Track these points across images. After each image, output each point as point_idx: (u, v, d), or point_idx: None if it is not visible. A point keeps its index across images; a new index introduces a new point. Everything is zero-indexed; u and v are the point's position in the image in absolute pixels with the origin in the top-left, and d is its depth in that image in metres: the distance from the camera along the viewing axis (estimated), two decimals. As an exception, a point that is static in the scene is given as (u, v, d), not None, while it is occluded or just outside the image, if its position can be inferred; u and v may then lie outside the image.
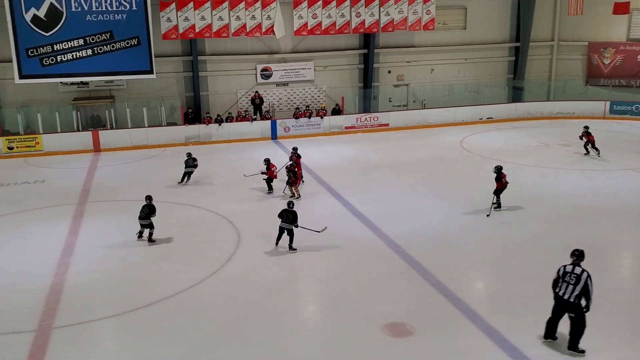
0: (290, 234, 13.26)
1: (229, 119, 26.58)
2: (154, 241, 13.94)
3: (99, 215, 16.18)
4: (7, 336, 9.87)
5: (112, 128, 25.33)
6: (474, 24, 30.51)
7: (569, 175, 19.19)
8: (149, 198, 14.24)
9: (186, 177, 19.16)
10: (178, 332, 9.92)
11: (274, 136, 26.41)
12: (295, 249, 13.22)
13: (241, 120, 26.59)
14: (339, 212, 16.02)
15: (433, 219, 15.29)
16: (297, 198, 16.90)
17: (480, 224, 14.89)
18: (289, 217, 13.19)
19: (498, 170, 15.80)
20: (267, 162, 18.04)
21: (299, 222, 13.26)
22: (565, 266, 9.03)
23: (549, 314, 9.32)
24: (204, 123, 25.86)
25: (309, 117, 27.00)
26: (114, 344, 9.99)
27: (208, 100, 27.48)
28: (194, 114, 26.43)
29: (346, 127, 27.47)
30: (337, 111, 27.96)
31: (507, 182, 15.79)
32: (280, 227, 13.26)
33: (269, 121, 26.62)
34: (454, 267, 12.23)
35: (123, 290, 11.51)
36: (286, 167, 17.84)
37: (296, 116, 27.00)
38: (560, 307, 8.94)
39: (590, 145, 21.36)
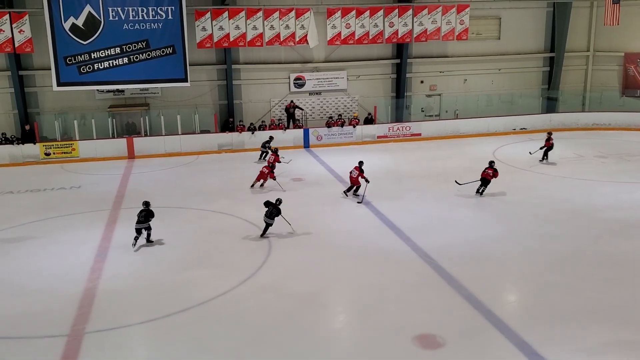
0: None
1: (262, 127, 26.80)
2: (152, 241, 14.42)
3: (132, 221, 16.40)
4: (41, 340, 10.08)
5: (146, 135, 25.79)
6: (508, 34, 30.19)
7: (605, 187, 18.78)
8: (146, 204, 14.53)
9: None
10: (209, 339, 10.00)
11: (306, 145, 26.52)
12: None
13: (274, 129, 26.78)
14: (372, 222, 15.97)
15: (465, 230, 15.13)
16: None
17: (513, 236, 14.68)
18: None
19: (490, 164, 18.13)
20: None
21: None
22: None
23: (584, 329, 9.12)
24: (237, 131, 26.13)
25: (342, 126, 27.04)
26: (145, 349, 10.12)
27: (242, 108, 27.77)
28: (233, 122, 26.70)
29: (378, 137, 27.42)
30: (369, 120, 27.95)
31: (493, 176, 17.83)
32: None
33: (302, 130, 26.75)
34: (487, 280, 12.07)
35: (155, 297, 11.67)
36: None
37: (329, 125, 27.08)
38: None
39: (545, 150, 22.23)
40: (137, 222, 14.24)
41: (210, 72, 27.23)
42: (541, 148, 22.38)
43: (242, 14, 25.30)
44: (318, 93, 28.56)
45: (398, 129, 27.65)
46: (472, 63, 30.07)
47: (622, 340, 9.59)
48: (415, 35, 27.28)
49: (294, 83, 28.13)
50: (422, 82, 29.83)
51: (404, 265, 12.99)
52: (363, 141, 27.10)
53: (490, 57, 30.23)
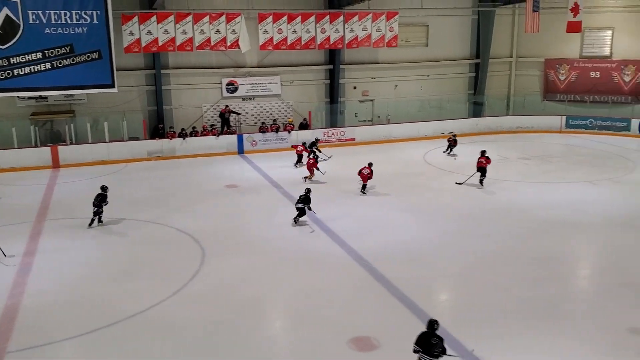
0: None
1: (194, 133, 26.34)
2: (102, 222, 16.04)
3: (58, 233, 15.74)
4: (-40, 360, 9.47)
5: (72, 143, 24.78)
6: (435, 41, 31.09)
7: (529, 187, 19.63)
8: (102, 188, 16.11)
9: None
10: (142, 353, 9.70)
11: (240, 150, 26.27)
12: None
13: (206, 135, 26.37)
14: (308, 227, 15.97)
15: (399, 232, 15.42)
16: None
17: (445, 237, 15.08)
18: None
19: (482, 153, 19.77)
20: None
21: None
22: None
23: (513, 327, 9.47)
24: (168, 137, 25.55)
25: (276, 132, 26.98)
26: (74, 366, 9.69)
27: (172, 114, 27.19)
28: (163, 128, 26.06)
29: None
30: (304, 126, 28.03)
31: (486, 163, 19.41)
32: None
33: (235, 135, 26.48)
34: (419, 281, 12.34)
35: (84, 311, 11.20)
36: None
37: (262, 130, 26.95)
38: None
39: (450, 148, 25.06)
40: (93, 204, 15.81)
41: (139, 78, 26.52)
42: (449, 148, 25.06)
43: (171, 18, 24.80)
44: (251, 98, 28.39)
45: (332, 134, 27.88)
46: (402, 69, 30.76)
47: (551, 336, 10.01)
48: (346, 42, 27.60)
49: (227, 88, 27.83)
50: (354, 87, 30.23)
51: (340, 269, 13.07)
52: (297, 146, 27.16)
53: (419, 64, 31.02)
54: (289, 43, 26.66)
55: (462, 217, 16.73)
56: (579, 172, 21.63)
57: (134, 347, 9.85)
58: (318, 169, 21.09)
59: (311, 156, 21.55)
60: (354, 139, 28.11)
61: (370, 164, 19.54)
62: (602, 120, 29.62)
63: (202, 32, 25.30)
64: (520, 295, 11.58)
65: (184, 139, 25.62)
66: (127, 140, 25.42)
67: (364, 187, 19.30)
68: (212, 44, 25.56)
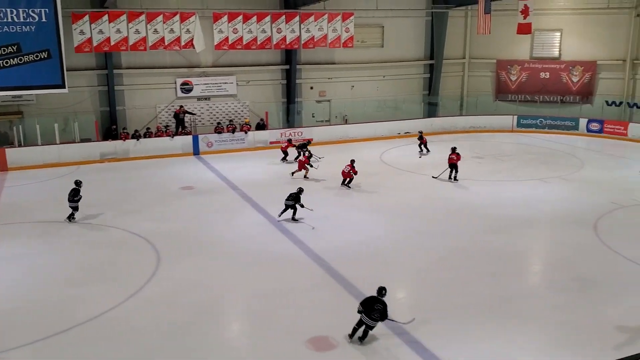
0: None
1: (148, 135, 25.87)
2: (75, 219, 16.39)
3: (7, 238, 15.19)
4: None
5: (20, 145, 23.94)
6: (390, 42, 31.46)
7: (483, 186, 20.07)
8: (77, 183, 16.54)
9: None
10: (99, 358, 9.45)
11: (196, 152, 25.93)
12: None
13: (160, 135, 25.94)
14: (265, 228, 15.92)
15: (357, 231, 15.52)
16: None
17: (401, 235, 15.27)
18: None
19: (453, 149, 20.71)
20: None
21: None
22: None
23: (470, 323, 9.64)
24: (121, 139, 25.00)
25: (233, 132, 26.77)
26: (25, 375, 9.38)
27: (125, 115, 26.61)
28: (116, 130, 25.46)
29: (271, 142, 27.44)
30: (261, 126, 27.89)
31: (457, 159, 20.35)
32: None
33: (191, 136, 26.13)
34: (377, 279, 12.33)
35: (36, 317, 10.85)
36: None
37: (218, 131, 26.70)
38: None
39: (423, 145, 25.39)
40: (68, 200, 16.30)
41: (90, 78, 25.85)
42: (420, 146, 25.39)
43: (123, 17, 24.26)
44: (207, 98, 28.07)
45: (290, 134, 27.86)
46: (359, 70, 30.99)
47: (507, 332, 10.25)
48: (303, 42, 27.63)
49: (181, 88, 27.43)
50: (311, 88, 30.28)
51: (298, 269, 13.07)
52: (256, 147, 27.00)
53: (375, 64, 31.33)
54: (244, 43, 26.49)
55: (418, 215, 16.98)
56: (530, 170, 22.21)
57: (90, 352, 9.60)
58: (311, 165, 21.75)
59: (305, 154, 22.42)
60: (311, 139, 28.08)
61: (352, 161, 20.14)
62: (552, 120, 30.56)
63: (155, 31, 24.85)
64: (476, 292, 11.82)
65: (138, 140, 25.12)
66: (78, 142, 24.74)
67: (345, 181, 20.11)
68: (166, 44, 25.15)
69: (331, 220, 16.41)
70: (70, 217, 16.37)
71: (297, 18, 27.18)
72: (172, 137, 25.79)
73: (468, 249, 14.25)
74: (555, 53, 31.69)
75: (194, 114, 27.23)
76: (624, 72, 30.23)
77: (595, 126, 29.38)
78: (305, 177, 21.34)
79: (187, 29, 25.20)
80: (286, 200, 16.37)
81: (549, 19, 30.87)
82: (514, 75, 32.39)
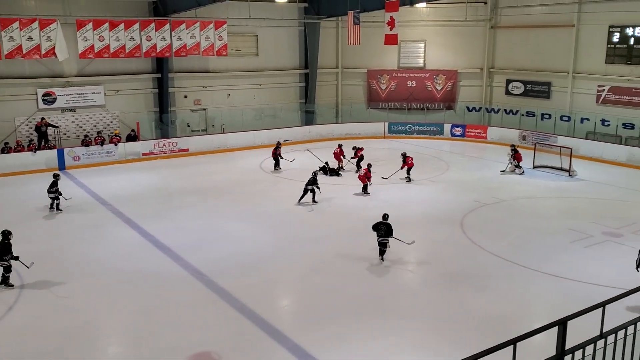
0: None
1: (6, 150, 23.81)
2: (61, 210, 17.97)
3: None
4: None
5: None
6: (265, 51, 31.63)
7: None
8: (55, 176, 18.13)
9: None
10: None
11: (61, 166, 24.23)
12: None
13: (21, 150, 23.97)
14: (140, 244, 15.23)
15: (237, 242, 15.34)
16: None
17: (282, 243, 15.32)
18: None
19: (403, 155, 22.25)
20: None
21: None
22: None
23: (350, 325, 9.85)
24: (-25, 155, 22.82)
25: (102, 145, 25.39)
26: None
27: (-22, 129, 24.32)
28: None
29: (144, 154, 26.38)
30: (132, 137, 26.73)
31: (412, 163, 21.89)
32: None
33: (55, 150, 24.40)
34: (259, 289, 12.37)
35: None
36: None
37: (86, 144, 25.21)
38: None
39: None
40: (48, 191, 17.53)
41: (-64, 89, 23.37)
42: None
43: (-27, 22, 22.22)
44: (72, 110, 26.39)
45: (164, 145, 26.99)
46: (234, 78, 30.79)
47: (384, 331, 10.60)
48: (174, 50, 26.92)
49: (43, 99, 25.57)
50: (185, 96, 29.59)
51: (177, 285, 12.65)
52: (127, 159, 25.80)
53: (251, 73, 31.32)
54: (111, 51, 25.31)
55: (298, 221, 17.17)
56: (402, 173, 23.27)
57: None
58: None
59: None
60: (187, 150, 27.49)
61: (369, 165, 21.00)
62: (419, 126, 32.33)
63: (11, 39, 22.99)
64: (353, 294, 12.14)
65: (-5, 155, 23.09)
66: None
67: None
68: (24, 52, 23.36)
69: (210, 233, 16.10)
70: (51, 206, 18.05)
71: (167, 26, 26.45)
72: (35, 152, 23.94)
73: (345, 252, 14.61)
74: (420, 63, 33.62)
75: (57, 127, 25.44)
76: (482, 80, 32.78)
77: (458, 131, 31.50)
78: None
79: (48, 37, 23.60)
80: (306, 185, 18.77)
81: (413, 31, 32.69)
82: (383, 84, 33.89)
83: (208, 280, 12.74)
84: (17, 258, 12.46)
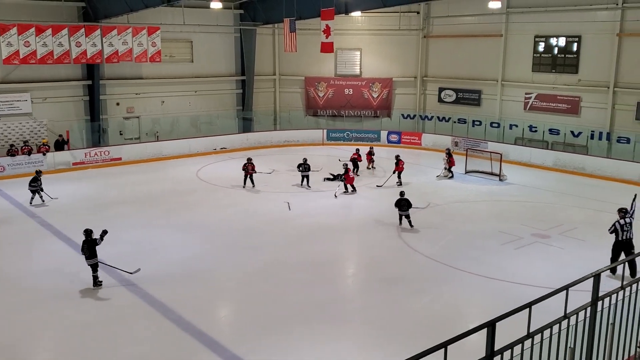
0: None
1: None
2: (44, 200, 19.72)
3: None
4: None
5: None
6: (200, 58, 31.20)
7: (297, 197, 20.71)
8: (37, 172, 19.57)
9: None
10: None
11: (-16, 178, 23.02)
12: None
13: (-61, 162, 22.65)
14: (69, 258, 14.61)
15: (173, 252, 15.00)
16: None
17: (219, 252, 15.10)
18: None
19: (397, 157, 22.80)
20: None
21: None
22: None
23: (289, 332, 9.78)
24: None
25: (29, 154, 24.27)
26: None
27: None
28: None
29: (74, 163, 25.43)
30: (61, 145, 25.69)
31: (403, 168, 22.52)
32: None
33: (-24, 161, 23.17)
34: (196, 300, 12.13)
35: None
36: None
37: (12, 154, 24.03)
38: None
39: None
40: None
41: None
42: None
43: None
44: (-4, 118, 25.15)
45: (96, 154, 26.12)
46: (169, 85, 30.21)
47: (328, 336, 10.60)
48: (106, 56, 26.13)
49: (-36, 107, 24.25)
50: (117, 104, 28.76)
51: (109, 298, 12.24)
52: (57, 169, 24.76)
53: (186, 80, 30.81)
54: (38, 57, 24.30)
55: (236, 230, 16.97)
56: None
57: None
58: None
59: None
60: (120, 158, 26.69)
61: (357, 150, 23.82)
62: (357, 133, 32.73)
63: None
64: (293, 302, 12.08)
65: None
66: None
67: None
68: (-58, 57, 22.09)
69: (144, 244, 15.66)
70: (32, 200, 19.39)
71: (98, 31, 25.65)
72: (-46, 163, 22.69)
73: (284, 259, 14.56)
74: (357, 71, 34.08)
75: None
76: (416, 88, 33.58)
77: (394, 137, 32.09)
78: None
79: (-32, 41, 22.40)
80: (302, 172, 22.13)
81: (349, 39, 33.12)
82: (321, 92, 34.12)
83: (143, 292, 12.37)
84: (104, 234, 12.75)
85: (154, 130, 29.61)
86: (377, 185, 22.14)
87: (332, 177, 23.34)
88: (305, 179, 22.27)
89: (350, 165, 23.58)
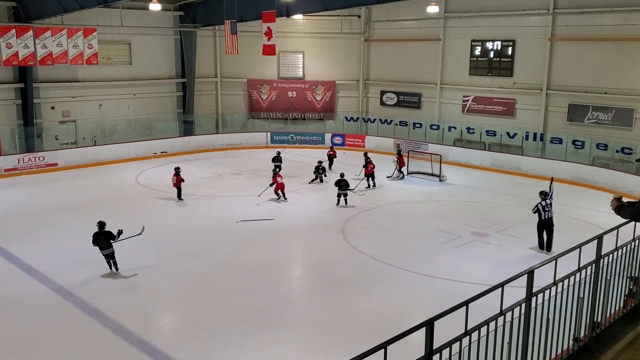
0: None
1: None
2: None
3: None
4: None
5: None
6: (139, 60, 30.45)
7: (240, 201, 20.52)
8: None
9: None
10: None
11: None
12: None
13: None
14: (3, 268, 13.95)
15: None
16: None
17: (161, 259, 14.77)
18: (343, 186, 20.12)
19: (365, 155, 23.38)
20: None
21: None
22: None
23: (233, 338, 9.65)
24: None
25: (-46, 161, 23.08)
26: None
27: None
28: None
29: (6, 170, 24.32)
30: (-9, 152, 24.57)
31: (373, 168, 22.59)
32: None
33: None
34: (137, 308, 11.83)
35: None
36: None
37: (-64, 161, 22.80)
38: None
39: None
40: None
41: None
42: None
43: None
44: None
45: (30, 159, 25.07)
46: (106, 88, 29.34)
47: (274, 340, 10.53)
48: (39, 58, 25.14)
49: None
50: (53, 108, 27.70)
51: (45, 309, 11.75)
52: (-14, 176, 23.69)
53: (124, 82, 30.01)
54: (-35, 58, 23.13)
55: (178, 236, 16.65)
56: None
57: None
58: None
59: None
60: (56, 164, 25.72)
61: (365, 153, 23.58)
62: (301, 135, 32.79)
63: None
64: (238, 307, 11.95)
65: None
66: None
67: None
68: None
69: (82, 252, 15.08)
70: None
71: (30, 32, 24.64)
72: None
73: (227, 264, 14.41)
74: (300, 73, 34.14)
75: None
76: (359, 91, 33.95)
77: (338, 140, 32.31)
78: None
79: None
80: (275, 163, 23.48)
81: (292, 42, 33.14)
82: (264, 94, 33.98)
83: (81, 302, 11.95)
84: (121, 232, 13.36)
85: (92, 135, 28.69)
86: (349, 189, 21.07)
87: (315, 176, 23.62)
88: (277, 169, 23.23)
89: (326, 164, 24.38)
